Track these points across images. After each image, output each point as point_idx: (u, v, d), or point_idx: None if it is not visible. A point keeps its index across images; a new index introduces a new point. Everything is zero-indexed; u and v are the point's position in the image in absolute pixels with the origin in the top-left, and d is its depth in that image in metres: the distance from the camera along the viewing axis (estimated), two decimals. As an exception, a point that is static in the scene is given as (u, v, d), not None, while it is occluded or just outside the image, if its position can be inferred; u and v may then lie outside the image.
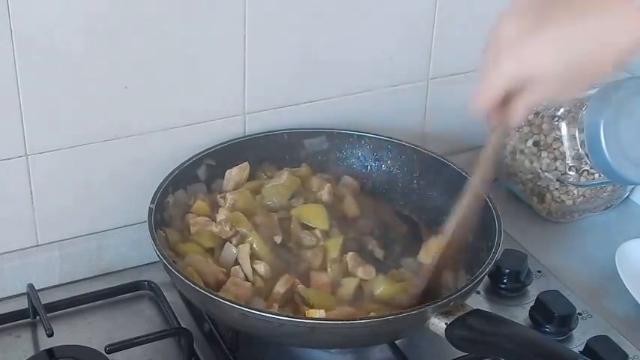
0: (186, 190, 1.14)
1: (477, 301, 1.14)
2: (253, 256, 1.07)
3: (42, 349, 1.06)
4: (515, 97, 0.84)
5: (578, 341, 1.11)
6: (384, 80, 1.27)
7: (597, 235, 1.33)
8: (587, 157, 1.25)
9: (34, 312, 1.10)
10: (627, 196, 1.40)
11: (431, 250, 1.09)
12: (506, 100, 0.84)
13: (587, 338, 1.09)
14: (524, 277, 1.20)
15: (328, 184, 1.18)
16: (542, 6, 0.80)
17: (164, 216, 1.10)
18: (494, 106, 0.85)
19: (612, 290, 1.20)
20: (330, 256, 1.09)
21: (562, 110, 1.28)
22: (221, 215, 1.10)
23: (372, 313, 1.00)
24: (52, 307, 1.10)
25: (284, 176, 1.17)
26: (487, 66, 0.83)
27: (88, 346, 1.06)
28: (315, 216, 1.13)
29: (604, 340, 1.09)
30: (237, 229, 1.09)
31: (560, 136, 1.28)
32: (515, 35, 0.80)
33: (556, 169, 1.29)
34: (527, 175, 1.33)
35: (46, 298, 1.11)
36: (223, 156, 1.18)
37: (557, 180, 1.30)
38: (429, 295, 0.99)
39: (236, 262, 1.07)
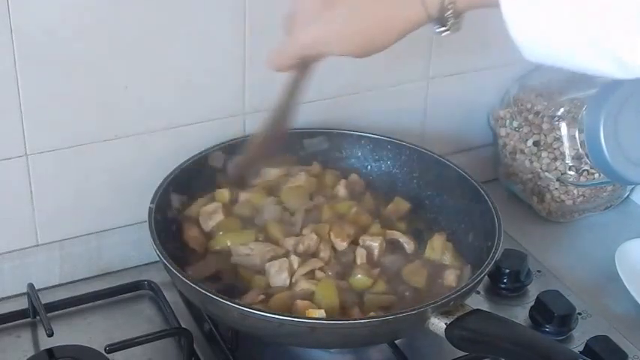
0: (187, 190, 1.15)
1: (477, 301, 1.14)
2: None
3: (42, 348, 1.06)
4: (309, 59, 0.95)
5: (578, 341, 1.11)
6: (384, 80, 1.27)
7: (597, 235, 1.33)
8: (587, 157, 1.25)
9: (34, 312, 1.10)
10: (627, 196, 1.40)
11: (436, 248, 1.11)
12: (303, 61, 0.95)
13: (587, 338, 1.09)
14: (524, 277, 1.20)
15: (343, 180, 1.19)
16: None
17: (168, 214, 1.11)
18: (289, 66, 0.96)
19: (612, 290, 1.20)
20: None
21: (562, 110, 1.28)
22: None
23: (372, 314, 1.00)
24: (52, 307, 1.10)
25: (302, 178, 1.17)
26: (287, 33, 0.93)
27: (88, 346, 1.06)
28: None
29: (604, 340, 1.09)
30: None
31: (560, 136, 1.28)
32: (311, 14, 0.90)
33: (556, 169, 1.29)
34: (527, 175, 1.33)
35: (46, 298, 1.11)
36: (223, 156, 1.18)
37: (557, 180, 1.30)
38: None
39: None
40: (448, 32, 0.85)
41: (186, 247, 1.10)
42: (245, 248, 1.08)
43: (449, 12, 0.84)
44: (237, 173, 1.12)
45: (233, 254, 1.08)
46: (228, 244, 1.09)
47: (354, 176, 1.22)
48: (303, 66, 0.96)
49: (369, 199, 1.19)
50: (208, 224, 1.12)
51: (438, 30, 0.86)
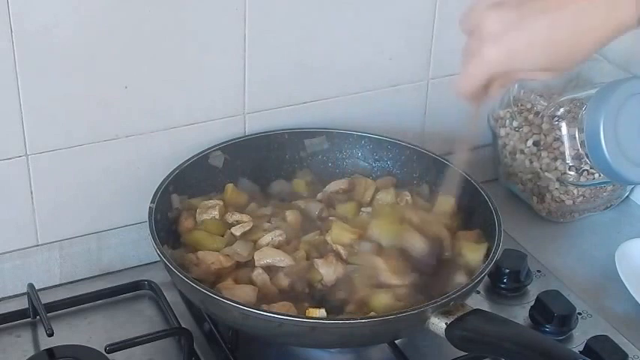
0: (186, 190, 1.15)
1: (477, 301, 1.14)
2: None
3: (42, 348, 1.06)
4: (494, 82, 0.88)
5: (578, 341, 1.11)
6: (384, 80, 1.27)
7: (597, 235, 1.33)
8: (587, 157, 1.25)
9: (35, 312, 1.10)
10: (627, 196, 1.40)
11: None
12: (487, 87, 0.89)
13: (587, 338, 1.09)
14: (524, 277, 1.20)
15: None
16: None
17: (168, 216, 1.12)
18: (477, 92, 0.89)
19: (612, 290, 1.20)
20: None
21: (562, 110, 1.28)
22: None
23: (372, 313, 1.00)
24: (52, 306, 1.11)
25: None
26: (470, 54, 0.86)
27: (88, 345, 1.06)
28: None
29: (604, 339, 1.09)
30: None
31: (560, 136, 1.28)
32: (500, 27, 0.83)
33: (556, 169, 1.29)
34: (527, 175, 1.33)
35: (46, 298, 1.11)
36: (224, 156, 1.18)
37: (557, 180, 1.30)
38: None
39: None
40: None
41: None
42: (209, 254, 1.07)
43: None
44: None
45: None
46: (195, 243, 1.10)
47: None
48: (484, 92, 0.90)
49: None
50: (201, 217, 1.12)
51: None
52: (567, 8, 0.81)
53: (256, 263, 1.06)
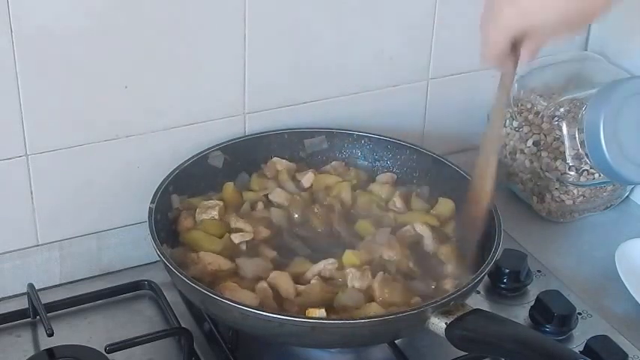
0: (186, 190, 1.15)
1: (477, 301, 1.14)
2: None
3: (42, 348, 1.06)
4: (520, 45, 0.89)
5: (578, 341, 1.11)
6: (384, 80, 1.27)
7: (597, 235, 1.33)
8: (587, 157, 1.25)
9: (35, 312, 1.10)
10: (627, 196, 1.40)
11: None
12: (512, 46, 0.90)
13: (587, 338, 1.09)
14: (524, 276, 1.20)
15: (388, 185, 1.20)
16: None
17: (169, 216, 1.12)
18: (502, 55, 0.90)
19: (612, 290, 1.20)
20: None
21: (562, 110, 1.28)
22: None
23: (372, 313, 1.00)
24: (52, 306, 1.11)
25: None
26: (487, 19, 0.88)
27: (88, 345, 1.06)
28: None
29: (604, 339, 1.09)
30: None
31: (560, 136, 1.28)
32: None
33: (556, 169, 1.29)
34: (527, 175, 1.33)
35: (46, 298, 1.11)
36: (223, 156, 1.18)
37: (557, 180, 1.30)
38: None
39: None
40: None
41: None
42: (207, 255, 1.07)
43: None
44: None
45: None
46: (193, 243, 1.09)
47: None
48: (513, 55, 0.91)
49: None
50: (201, 217, 1.12)
51: None
52: None
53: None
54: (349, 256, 1.06)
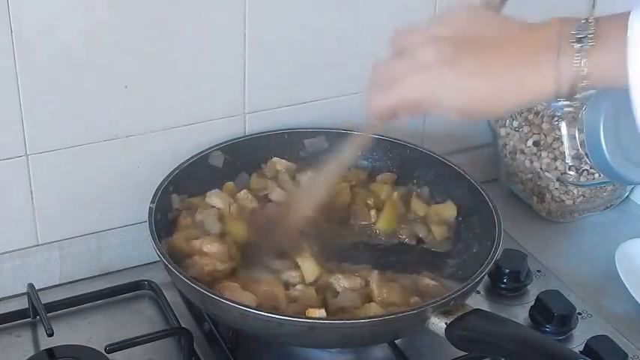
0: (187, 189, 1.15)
1: (477, 301, 1.14)
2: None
3: (42, 348, 1.06)
4: (406, 109, 0.87)
5: (578, 341, 1.11)
6: (384, 80, 1.27)
7: (597, 235, 1.33)
8: (587, 157, 1.25)
9: (35, 312, 1.10)
10: (627, 196, 1.40)
11: None
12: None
13: (587, 338, 1.09)
14: (524, 276, 1.20)
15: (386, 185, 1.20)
16: (468, 41, 0.82)
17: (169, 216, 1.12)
18: (385, 112, 0.88)
19: (612, 290, 1.20)
20: None
21: (562, 110, 1.28)
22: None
23: (372, 313, 1.00)
24: (52, 306, 1.10)
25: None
26: (392, 76, 0.86)
27: (88, 345, 1.06)
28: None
29: (604, 339, 1.09)
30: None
31: (560, 136, 1.28)
32: (434, 60, 0.82)
33: (556, 168, 1.29)
34: (527, 175, 1.33)
35: (46, 298, 1.11)
36: (223, 156, 1.18)
37: (557, 180, 1.30)
38: None
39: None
40: (569, 104, 0.81)
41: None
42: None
43: (578, 91, 0.80)
44: None
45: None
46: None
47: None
48: (392, 115, 0.89)
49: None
50: (199, 216, 1.12)
51: (559, 102, 0.81)
52: (498, 61, 0.81)
53: None
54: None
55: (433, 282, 1.06)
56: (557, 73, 0.78)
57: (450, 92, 0.83)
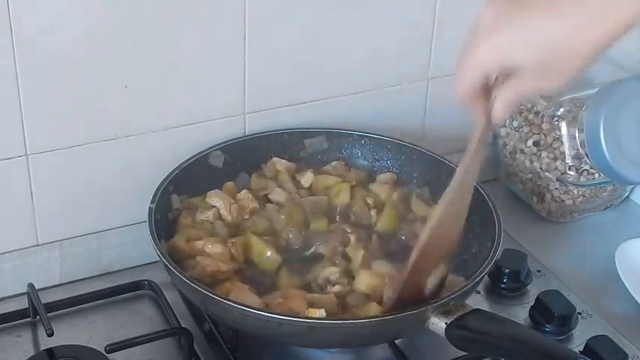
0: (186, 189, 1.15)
1: (477, 301, 1.14)
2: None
3: (42, 348, 1.06)
4: (495, 90, 0.83)
5: (578, 341, 1.11)
6: (384, 80, 1.27)
7: (597, 234, 1.33)
8: (587, 157, 1.25)
9: (35, 312, 1.10)
10: (627, 196, 1.40)
11: None
12: (488, 92, 0.84)
13: (587, 338, 1.09)
14: (524, 276, 1.20)
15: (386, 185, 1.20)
16: None
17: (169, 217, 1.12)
18: (475, 95, 0.84)
19: (612, 290, 1.20)
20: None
21: (562, 110, 1.28)
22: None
23: (372, 313, 1.00)
24: (52, 306, 1.11)
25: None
26: (464, 52, 0.82)
27: (88, 345, 1.06)
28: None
29: (604, 339, 1.09)
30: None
31: (560, 136, 1.28)
32: (493, 21, 0.79)
33: (556, 168, 1.29)
34: (527, 175, 1.33)
35: (46, 298, 1.11)
36: (224, 156, 1.18)
37: (557, 180, 1.30)
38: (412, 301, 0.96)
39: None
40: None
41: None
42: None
43: None
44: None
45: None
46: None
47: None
48: (486, 100, 0.84)
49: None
50: (200, 217, 1.12)
51: None
52: (564, 6, 0.77)
53: None
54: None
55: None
56: None
57: (521, 47, 0.78)
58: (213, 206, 1.13)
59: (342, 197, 1.17)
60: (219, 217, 1.12)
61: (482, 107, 0.85)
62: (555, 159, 1.29)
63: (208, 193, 1.14)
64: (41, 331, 1.07)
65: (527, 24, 0.78)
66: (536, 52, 0.78)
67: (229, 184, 1.17)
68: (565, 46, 0.78)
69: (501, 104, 0.84)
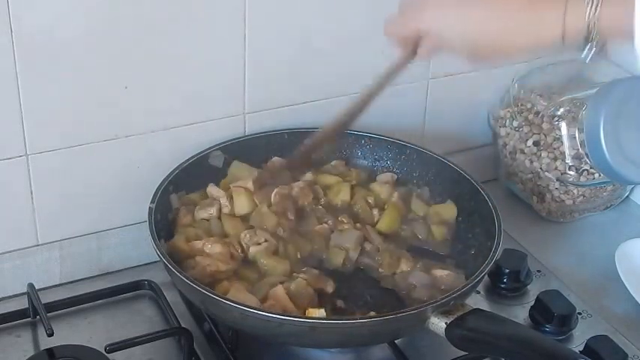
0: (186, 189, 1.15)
1: (477, 301, 1.14)
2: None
3: (42, 348, 1.06)
4: (423, 43, 0.96)
5: (578, 341, 1.11)
6: (384, 80, 1.27)
7: (597, 234, 1.33)
8: (587, 157, 1.25)
9: (35, 312, 1.10)
10: (627, 196, 1.40)
11: None
12: (417, 41, 0.96)
13: (587, 338, 1.09)
14: (524, 276, 1.20)
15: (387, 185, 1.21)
16: None
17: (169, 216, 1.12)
18: (403, 41, 0.97)
19: (612, 290, 1.20)
20: None
21: (562, 110, 1.28)
22: None
23: (372, 313, 1.00)
24: (52, 306, 1.11)
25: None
26: (410, 6, 0.94)
27: (88, 345, 1.06)
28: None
29: (604, 339, 1.09)
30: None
31: (560, 136, 1.28)
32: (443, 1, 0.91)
33: (556, 168, 1.29)
34: (527, 175, 1.33)
35: (46, 298, 1.11)
36: (223, 156, 1.18)
37: (557, 180, 1.30)
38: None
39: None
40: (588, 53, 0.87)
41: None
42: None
43: (588, 37, 0.84)
44: (303, 155, 1.11)
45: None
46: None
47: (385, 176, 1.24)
48: (412, 48, 0.97)
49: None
50: (199, 215, 1.12)
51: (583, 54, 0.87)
52: (509, 4, 0.87)
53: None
54: None
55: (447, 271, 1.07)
56: (564, 20, 0.82)
57: (459, 29, 0.89)
58: (213, 198, 1.13)
59: (343, 196, 1.17)
60: (220, 210, 1.12)
61: (405, 48, 0.98)
62: (555, 159, 1.29)
63: (208, 189, 1.14)
64: (41, 331, 1.07)
65: (469, 13, 0.89)
66: (467, 39, 0.89)
67: (225, 180, 1.17)
68: (494, 40, 0.89)
69: (426, 52, 0.96)
